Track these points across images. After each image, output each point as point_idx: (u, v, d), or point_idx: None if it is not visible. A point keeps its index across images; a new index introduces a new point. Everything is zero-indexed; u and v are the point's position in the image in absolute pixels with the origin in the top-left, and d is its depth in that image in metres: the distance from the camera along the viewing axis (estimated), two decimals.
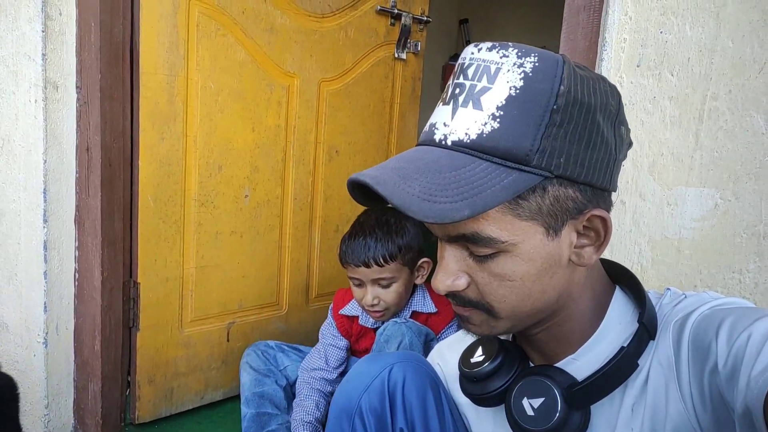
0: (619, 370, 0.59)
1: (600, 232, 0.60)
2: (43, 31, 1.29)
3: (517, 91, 0.54)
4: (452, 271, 0.60)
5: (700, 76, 0.85)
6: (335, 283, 1.91)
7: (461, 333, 0.79)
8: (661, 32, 0.87)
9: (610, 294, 0.67)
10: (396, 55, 1.99)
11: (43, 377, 1.40)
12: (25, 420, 1.43)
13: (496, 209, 0.55)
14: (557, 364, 0.66)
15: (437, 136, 0.58)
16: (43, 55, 1.30)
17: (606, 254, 0.93)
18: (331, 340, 1.54)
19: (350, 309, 1.52)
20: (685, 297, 0.64)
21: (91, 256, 1.43)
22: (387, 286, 1.37)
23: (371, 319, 1.48)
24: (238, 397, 1.75)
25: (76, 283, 1.45)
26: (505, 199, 0.54)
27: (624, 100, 0.90)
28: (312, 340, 1.66)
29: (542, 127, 0.54)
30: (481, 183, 0.53)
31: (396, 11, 1.94)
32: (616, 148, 0.60)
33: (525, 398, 0.63)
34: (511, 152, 0.54)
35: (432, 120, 0.60)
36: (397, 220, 1.39)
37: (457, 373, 0.73)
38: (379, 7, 1.90)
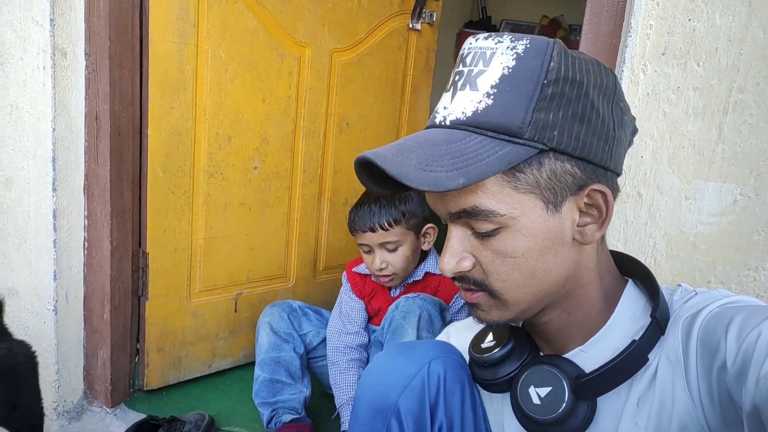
0: (628, 363, 0.59)
1: (602, 208, 0.60)
2: None
3: (510, 70, 0.56)
4: (457, 251, 0.61)
5: (727, 67, 0.82)
6: (343, 256, 1.91)
7: (471, 320, 0.78)
8: (689, 19, 0.84)
9: (621, 286, 0.67)
10: (410, 26, 1.94)
11: (54, 344, 1.42)
12: None
13: (494, 182, 0.57)
14: (566, 355, 0.65)
15: (438, 119, 0.61)
16: (51, 20, 1.27)
17: (620, 246, 0.93)
18: (349, 302, 1.54)
19: (363, 268, 1.53)
20: (696, 294, 0.63)
21: (101, 226, 1.43)
22: (393, 250, 1.40)
23: None
24: (245, 365, 1.78)
25: (86, 251, 1.46)
26: (500, 169, 0.55)
27: (647, 90, 0.88)
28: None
29: (534, 100, 0.55)
30: (476, 154, 0.55)
31: None
32: (614, 126, 0.60)
33: (532, 387, 0.63)
34: (504, 125, 0.56)
35: (436, 108, 0.63)
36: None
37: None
38: None
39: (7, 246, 1.41)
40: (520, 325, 0.74)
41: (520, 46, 0.57)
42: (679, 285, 0.67)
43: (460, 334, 0.83)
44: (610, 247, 0.93)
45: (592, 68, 0.58)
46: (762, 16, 0.80)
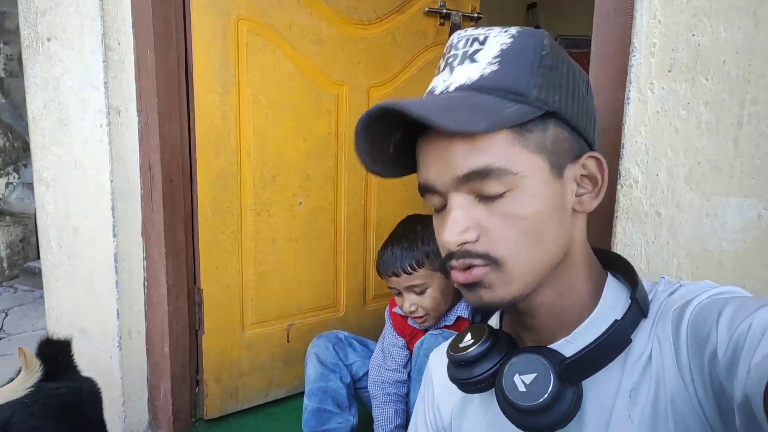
0: (612, 343, 0.58)
1: (596, 177, 0.62)
2: (104, 61, 1.40)
3: (508, 46, 0.59)
4: (462, 221, 0.58)
5: (737, 80, 0.80)
6: None
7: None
8: (693, 35, 0.83)
9: (604, 279, 0.67)
10: None
11: (119, 378, 1.53)
12: (105, 416, 1.57)
13: (505, 140, 0.57)
14: (552, 346, 0.64)
15: (438, 90, 0.60)
16: (105, 83, 1.41)
17: (642, 267, 0.91)
18: (390, 339, 1.57)
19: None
20: (681, 285, 0.63)
21: (157, 266, 1.54)
22: (421, 293, 1.37)
23: None
24: (300, 394, 1.83)
25: (146, 291, 1.57)
26: (516, 122, 0.56)
27: (656, 108, 0.87)
28: (373, 339, 1.69)
29: (536, 67, 0.58)
30: (491, 107, 0.56)
31: (445, 11, 1.93)
32: (594, 112, 0.64)
33: (517, 374, 0.61)
34: (512, 86, 0.57)
35: (431, 86, 0.63)
36: (424, 227, 1.40)
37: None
38: (427, 9, 1.90)
39: (76, 289, 1.54)
40: (499, 326, 0.73)
41: (513, 30, 0.60)
42: (663, 277, 0.67)
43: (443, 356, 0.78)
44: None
45: (569, 58, 0.62)
46: None
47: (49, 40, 1.45)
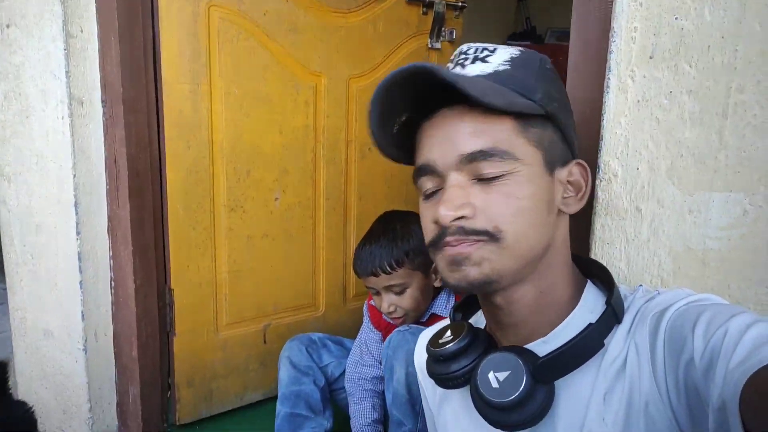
0: (584, 345, 0.60)
1: (580, 184, 0.67)
2: (65, 49, 1.33)
3: (516, 56, 0.65)
4: (459, 197, 0.61)
5: (722, 66, 0.74)
6: None
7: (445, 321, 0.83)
8: (676, 18, 0.76)
9: (583, 284, 0.69)
10: (430, 45, 1.92)
11: (85, 382, 1.46)
12: (72, 422, 1.51)
13: (510, 128, 0.61)
14: (527, 346, 0.66)
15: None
16: (67, 72, 1.34)
17: (622, 266, 0.85)
18: (368, 333, 1.52)
19: None
20: (659, 293, 0.65)
21: (124, 265, 1.47)
22: (401, 293, 1.32)
23: None
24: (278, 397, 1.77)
25: (113, 291, 1.50)
26: (525, 110, 0.61)
27: (636, 97, 0.81)
28: (353, 338, 1.64)
29: (540, 76, 0.64)
30: (506, 92, 0.61)
31: (428, 0, 1.87)
32: (575, 128, 0.69)
33: (491, 371, 0.62)
34: (522, 83, 0.62)
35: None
36: (404, 225, 1.35)
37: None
38: None
39: (40, 289, 1.47)
40: (483, 326, 0.74)
41: (514, 49, 0.66)
42: (640, 285, 0.69)
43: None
44: (615, 269, 0.86)
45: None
46: (757, 7, 0.71)
47: (8, 26, 1.38)
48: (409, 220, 1.36)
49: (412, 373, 1.21)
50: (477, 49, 0.66)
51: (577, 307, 0.66)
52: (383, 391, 1.42)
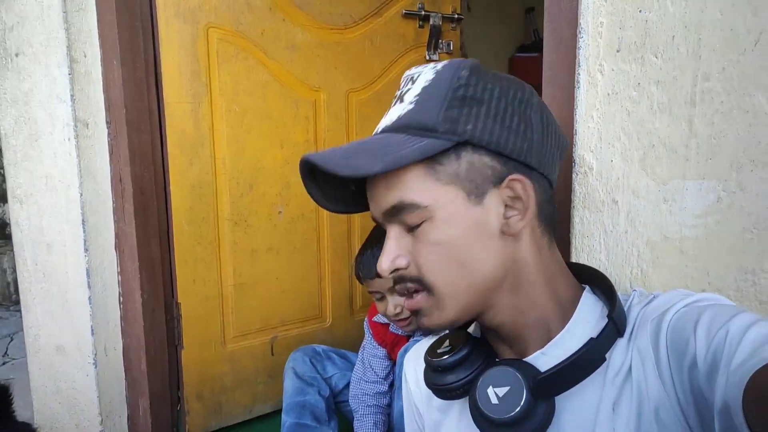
0: (585, 361, 0.59)
1: (521, 199, 0.63)
2: (69, 74, 1.39)
3: (429, 82, 0.63)
4: (393, 250, 0.64)
5: (688, 56, 0.75)
6: None
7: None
8: (640, 11, 0.78)
9: (579, 292, 0.68)
10: (427, 57, 1.95)
11: (96, 396, 1.49)
12: None
13: (415, 176, 0.61)
14: (526, 359, 0.65)
15: (374, 132, 0.67)
16: (72, 96, 1.39)
17: (602, 258, 0.86)
18: (370, 350, 1.53)
19: (383, 317, 1.50)
20: (655, 297, 0.64)
21: (132, 280, 1.51)
22: None
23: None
24: None
25: (121, 306, 1.54)
26: (416, 158, 0.60)
27: (606, 90, 0.82)
28: (359, 351, 1.65)
29: (446, 100, 0.61)
30: (397, 146, 0.60)
31: (423, 13, 1.90)
32: (533, 130, 0.64)
33: (490, 387, 0.61)
34: (421, 123, 0.61)
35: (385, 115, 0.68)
36: None
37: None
38: (404, 11, 1.87)
39: (53, 306, 1.52)
40: (478, 334, 0.74)
41: (440, 66, 0.64)
42: (635, 289, 0.68)
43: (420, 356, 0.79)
44: (595, 261, 0.87)
45: (505, 80, 0.64)
46: None
47: (17, 55, 1.45)
48: None
49: None
50: (406, 81, 0.67)
51: (573, 317, 0.65)
52: (387, 405, 1.43)
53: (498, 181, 0.62)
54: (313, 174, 0.66)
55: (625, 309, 0.64)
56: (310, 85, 1.73)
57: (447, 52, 1.98)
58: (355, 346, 1.84)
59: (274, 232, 1.72)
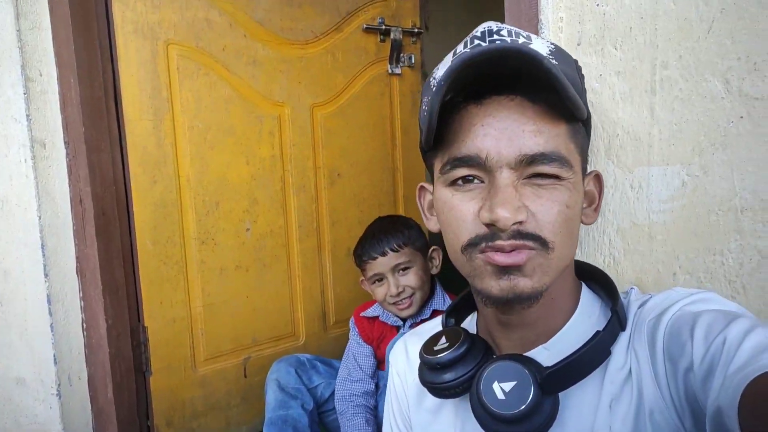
0: (592, 354, 0.58)
1: (594, 194, 0.66)
2: (25, 94, 1.35)
3: (554, 49, 0.59)
4: (516, 199, 0.55)
5: (645, 45, 0.77)
6: (352, 308, 1.85)
7: (428, 327, 0.81)
8: (597, 5, 0.80)
9: (579, 289, 0.67)
10: (390, 71, 1.96)
11: (60, 428, 1.42)
12: None
13: (566, 132, 0.58)
14: (528, 353, 0.63)
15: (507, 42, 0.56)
16: (28, 116, 1.35)
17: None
18: (356, 348, 1.53)
19: (372, 311, 1.53)
20: (651, 297, 0.63)
21: (95, 305, 1.45)
22: (406, 270, 1.41)
23: (392, 317, 1.48)
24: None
25: (85, 332, 1.48)
26: (585, 116, 0.59)
27: None
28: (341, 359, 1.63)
29: (579, 74, 0.61)
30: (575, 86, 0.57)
31: (384, 27, 1.92)
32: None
33: (496, 382, 0.59)
34: (575, 80, 0.58)
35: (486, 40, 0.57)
36: (399, 217, 1.54)
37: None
38: (365, 26, 1.89)
39: (11, 336, 1.45)
40: (476, 332, 0.72)
41: (535, 36, 0.60)
42: (632, 287, 0.67)
43: (417, 342, 0.76)
44: None
45: None
46: None
47: None
48: (400, 217, 1.57)
49: None
50: (511, 32, 0.57)
51: (575, 313, 0.64)
52: (375, 407, 1.41)
53: (585, 172, 0.63)
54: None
55: (626, 306, 0.64)
56: (274, 100, 1.72)
57: (409, 66, 2.00)
58: None
59: (242, 250, 1.69)
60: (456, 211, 0.59)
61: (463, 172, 0.58)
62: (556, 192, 0.57)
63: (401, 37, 1.96)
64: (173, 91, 1.54)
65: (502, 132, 0.56)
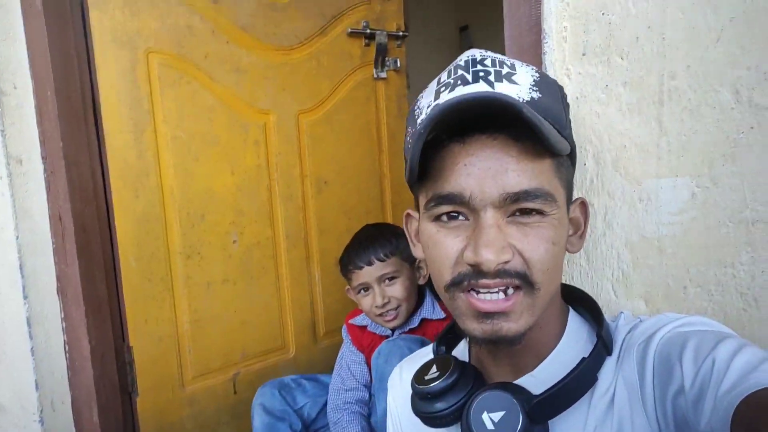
0: (579, 381, 0.59)
1: (579, 221, 0.65)
2: None
3: (538, 78, 0.60)
4: (500, 239, 0.56)
5: (653, 55, 0.75)
6: (343, 318, 1.83)
7: (422, 353, 0.81)
8: (603, 14, 0.78)
9: (566, 313, 0.68)
10: (375, 75, 1.93)
11: None
12: None
13: (550, 167, 0.58)
14: (516, 382, 0.63)
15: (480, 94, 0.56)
16: (2, 131, 1.29)
17: (582, 263, 0.84)
18: (349, 355, 1.51)
19: (360, 320, 1.51)
20: (641, 321, 0.63)
21: (77, 326, 1.40)
22: (392, 281, 1.38)
23: (380, 328, 1.45)
24: None
25: (67, 355, 1.42)
26: (567, 151, 0.59)
27: (575, 94, 0.82)
28: (329, 373, 1.59)
29: (564, 105, 0.61)
30: (549, 129, 0.56)
31: (369, 31, 1.89)
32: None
33: (485, 412, 0.59)
34: (557, 117, 0.59)
35: (458, 93, 0.57)
36: (387, 226, 1.51)
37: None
38: (350, 30, 1.85)
39: None
40: (464, 358, 0.72)
41: (519, 62, 0.61)
42: (621, 312, 0.68)
43: (411, 369, 0.75)
44: (576, 267, 0.85)
45: None
46: None
47: None
48: (388, 225, 1.55)
49: None
50: (494, 62, 0.59)
51: (563, 339, 0.65)
52: (369, 416, 1.38)
53: (570, 202, 0.63)
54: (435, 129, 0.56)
55: (612, 330, 0.64)
56: (259, 108, 1.68)
57: (395, 70, 1.97)
58: (322, 373, 1.77)
59: (229, 263, 1.64)
60: (440, 248, 0.59)
61: (447, 209, 0.59)
62: (541, 229, 0.57)
63: (386, 40, 1.93)
64: (154, 100, 1.49)
65: (485, 171, 0.56)
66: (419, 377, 0.67)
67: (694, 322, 0.58)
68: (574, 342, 0.65)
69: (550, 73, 0.83)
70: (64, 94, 1.35)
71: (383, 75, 1.95)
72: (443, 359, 0.68)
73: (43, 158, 1.36)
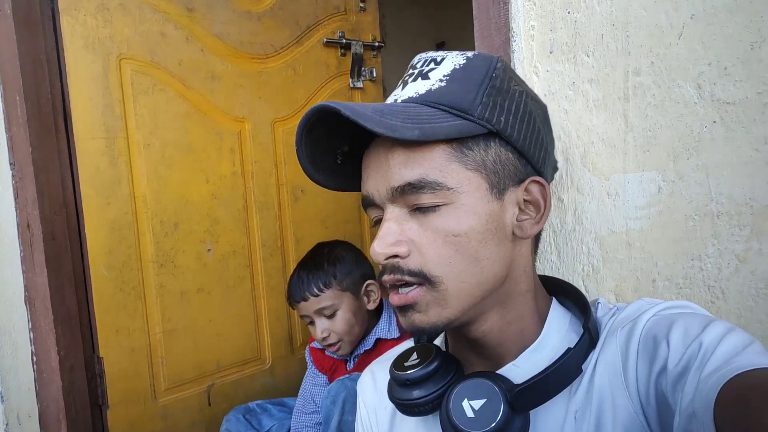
0: (563, 372, 0.58)
1: (539, 203, 0.62)
2: None
3: (461, 66, 0.60)
4: (394, 232, 0.57)
5: (617, 52, 0.77)
6: None
7: (395, 352, 0.78)
8: (568, 12, 0.79)
9: (549, 303, 0.67)
10: (352, 85, 1.94)
11: None
12: None
13: (442, 155, 0.57)
14: (499, 371, 0.62)
15: (387, 102, 0.61)
16: None
17: (554, 259, 0.84)
18: (312, 378, 1.48)
19: (317, 343, 1.45)
20: (618, 308, 0.64)
21: (46, 336, 1.36)
22: (331, 316, 1.30)
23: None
24: None
25: (35, 366, 1.38)
26: (453, 135, 0.56)
27: (543, 92, 0.82)
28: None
29: (484, 86, 0.58)
30: (429, 118, 0.56)
31: (344, 41, 1.90)
32: (547, 141, 0.64)
33: (465, 399, 0.58)
34: (456, 102, 0.57)
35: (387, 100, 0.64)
36: (330, 249, 1.38)
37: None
38: (325, 40, 1.86)
39: None
40: (444, 348, 0.72)
41: (470, 54, 0.62)
42: (598, 301, 0.66)
43: (385, 369, 0.74)
44: (547, 262, 0.86)
45: (528, 87, 0.65)
46: None
47: None
48: (336, 245, 1.40)
49: (347, 422, 1.16)
50: (425, 62, 0.62)
51: (544, 329, 0.64)
52: None
53: (518, 181, 0.60)
54: (310, 132, 0.59)
55: (595, 320, 0.63)
56: (234, 116, 1.67)
57: (371, 80, 1.98)
58: (297, 387, 1.75)
59: (204, 272, 1.62)
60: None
61: (371, 212, 0.63)
62: (441, 219, 0.57)
63: (362, 51, 1.95)
64: (127, 107, 1.47)
65: (376, 171, 0.59)
66: (398, 364, 0.65)
67: (679, 305, 0.59)
68: (556, 332, 0.64)
69: (519, 71, 0.84)
70: (33, 99, 1.33)
71: (359, 85, 1.95)
72: (424, 347, 0.66)
73: (11, 164, 1.33)
